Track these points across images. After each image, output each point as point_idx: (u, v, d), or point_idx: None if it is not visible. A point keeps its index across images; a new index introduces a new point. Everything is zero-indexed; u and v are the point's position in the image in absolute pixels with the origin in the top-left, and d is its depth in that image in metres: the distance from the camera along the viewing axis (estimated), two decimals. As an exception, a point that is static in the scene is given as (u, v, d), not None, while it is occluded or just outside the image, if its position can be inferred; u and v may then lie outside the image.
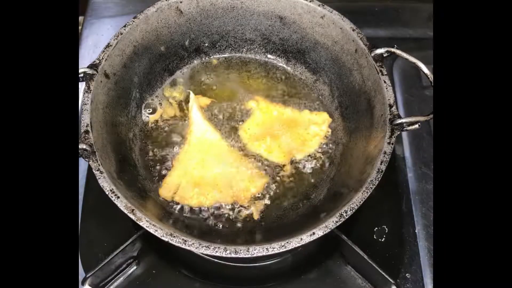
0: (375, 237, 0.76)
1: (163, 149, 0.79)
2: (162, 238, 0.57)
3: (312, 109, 0.84)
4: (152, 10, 0.76)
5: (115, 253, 0.67)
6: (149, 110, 0.83)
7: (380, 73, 0.69)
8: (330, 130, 0.82)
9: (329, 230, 0.58)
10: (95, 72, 0.67)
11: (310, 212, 0.73)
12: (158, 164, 0.77)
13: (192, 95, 0.82)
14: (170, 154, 0.78)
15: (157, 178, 0.76)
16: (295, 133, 0.80)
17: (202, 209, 0.73)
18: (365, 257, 0.68)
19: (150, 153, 0.78)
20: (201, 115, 0.80)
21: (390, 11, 1.07)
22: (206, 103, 0.83)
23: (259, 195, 0.74)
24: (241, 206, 0.73)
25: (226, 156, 0.77)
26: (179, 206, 0.73)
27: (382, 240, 0.76)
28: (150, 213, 0.62)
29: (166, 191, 0.74)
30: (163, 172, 0.76)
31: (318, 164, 0.78)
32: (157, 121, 0.82)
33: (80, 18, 1.07)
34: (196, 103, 0.81)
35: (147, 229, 0.57)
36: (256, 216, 0.73)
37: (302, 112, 0.83)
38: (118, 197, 0.59)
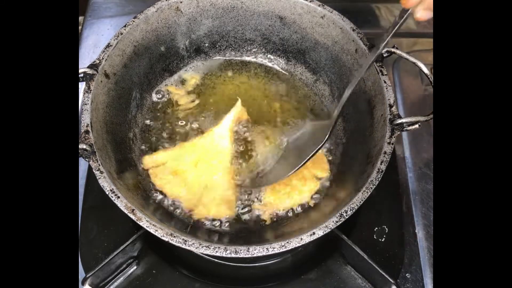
0: (375, 237, 0.76)
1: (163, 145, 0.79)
2: (162, 238, 0.57)
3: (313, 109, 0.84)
4: (152, 10, 0.76)
5: (115, 253, 0.67)
6: (159, 96, 0.84)
7: (380, 73, 0.69)
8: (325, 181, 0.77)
9: (329, 230, 0.58)
10: (95, 72, 0.67)
11: (310, 212, 0.73)
12: (158, 164, 0.77)
13: (239, 102, 0.81)
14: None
15: (157, 178, 0.76)
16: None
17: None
18: (365, 257, 0.68)
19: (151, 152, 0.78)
20: (231, 124, 0.79)
21: (390, 11, 1.07)
22: (244, 117, 0.81)
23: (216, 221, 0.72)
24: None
25: (219, 170, 0.76)
26: (180, 207, 0.73)
27: (382, 240, 0.76)
28: (150, 213, 0.62)
29: (149, 161, 0.76)
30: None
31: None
32: (165, 108, 0.83)
33: (80, 18, 1.07)
34: (236, 112, 0.80)
35: (147, 229, 0.57)
36: (268, 221, 0.73)
37: None
38: (118, 197, 0.59)
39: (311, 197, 0.75)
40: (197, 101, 0.84)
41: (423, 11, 0.60)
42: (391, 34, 0.64)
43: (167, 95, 0.84)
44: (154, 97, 0.84)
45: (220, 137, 0.78)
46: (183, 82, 0.86)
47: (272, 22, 0.83)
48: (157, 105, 0.83)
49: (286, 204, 0.74)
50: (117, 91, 0.74)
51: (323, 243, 0.75)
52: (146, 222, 0.58)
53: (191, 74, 0.87)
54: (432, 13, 0.60)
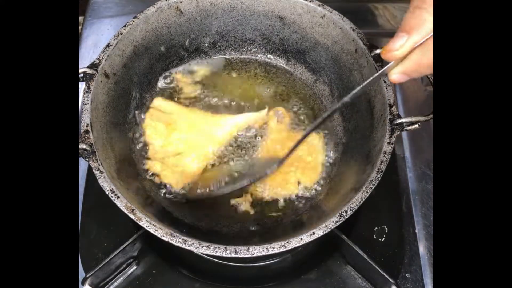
0: (375, 237, 0.76)
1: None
2: (162, 238, 0.57)
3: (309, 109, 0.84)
4: (152, 10, 0.76)
5: (115, 253, 0.67)
6: (167, 81, 0.85)
7: (380, 73, 0.69)
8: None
9: (329, 230, 0.58)
10: (95, 72, 0.67)
11: (310, 212, 0.73)
12: (158, 164, 0.77)
13: (265, 110, 0.81)
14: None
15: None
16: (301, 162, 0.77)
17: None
18: (365, 257, 0.68)
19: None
20: (245, 123, 0.80)
21: (390, 11, 1.07)
22: (258, 124, 0.81)
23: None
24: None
25: (201, 154, 0.76)
26: (181, 209, 0.73)
27: (382, 240, 0.76)
28: (150, 212, 0.62)
29: (158, 104, 0.80)
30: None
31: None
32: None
33: (80, 18, 1.07)
34: (258, 117, 0.81)
35: (147, 229, 0.57)
36: (251, 211, 0.73)
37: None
38: (118, 197, 0.59)
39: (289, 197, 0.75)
40: (199, 91, 0.85)
41: (399, 75, 0.55)
42: (362, 85, 0.59)
43: (174, 82, 0.85)
44: (161, 81, 0.85)
45: (224, 126, 0.78)
46: (191, 72, 0.87)
47: (272, 22, 0.83)
48: (162, 90, 0.84)
49: (266, 194, 0.74)
50: (117, 91, 0.74)
51: (323, 243, 0.75)
52: (146, 222, 0.58)
53: (200, 66, 0.88)
54: (407, 78, 0.55)
